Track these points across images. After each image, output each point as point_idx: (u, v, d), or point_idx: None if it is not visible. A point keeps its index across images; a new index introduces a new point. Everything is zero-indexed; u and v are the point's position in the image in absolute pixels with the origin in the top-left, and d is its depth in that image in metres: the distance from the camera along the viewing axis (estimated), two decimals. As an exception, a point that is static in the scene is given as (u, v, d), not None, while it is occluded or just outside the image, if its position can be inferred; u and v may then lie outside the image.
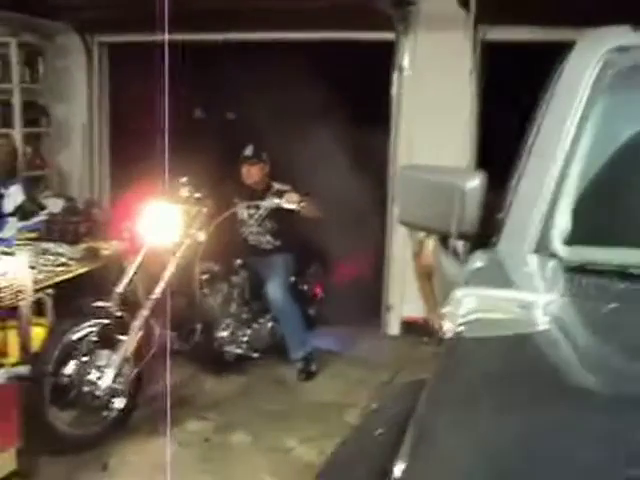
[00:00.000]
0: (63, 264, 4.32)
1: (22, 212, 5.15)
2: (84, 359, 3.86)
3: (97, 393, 3.85)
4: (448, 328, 1.41)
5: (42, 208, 5.25)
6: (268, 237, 5.17)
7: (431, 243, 5.10)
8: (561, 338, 1.40)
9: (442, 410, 1.24)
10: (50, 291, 4.26)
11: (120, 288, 4.04)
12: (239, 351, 4.90)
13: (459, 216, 1.87)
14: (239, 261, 5.01)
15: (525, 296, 1.41)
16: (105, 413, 3.99)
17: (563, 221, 1.73)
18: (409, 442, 1.17)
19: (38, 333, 4.04)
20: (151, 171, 5.12)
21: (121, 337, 3.95)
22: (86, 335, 3.89)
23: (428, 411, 1.23)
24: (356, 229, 5.42)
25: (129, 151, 6.18)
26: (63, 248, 4.57)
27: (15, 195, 5.27)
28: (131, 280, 4.09)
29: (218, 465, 3.86)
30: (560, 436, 1.08)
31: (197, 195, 4.43)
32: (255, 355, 4.94)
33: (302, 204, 4.72)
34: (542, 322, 1.38)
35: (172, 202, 4.22)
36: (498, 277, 1.59)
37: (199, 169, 5.51)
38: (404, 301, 5.55)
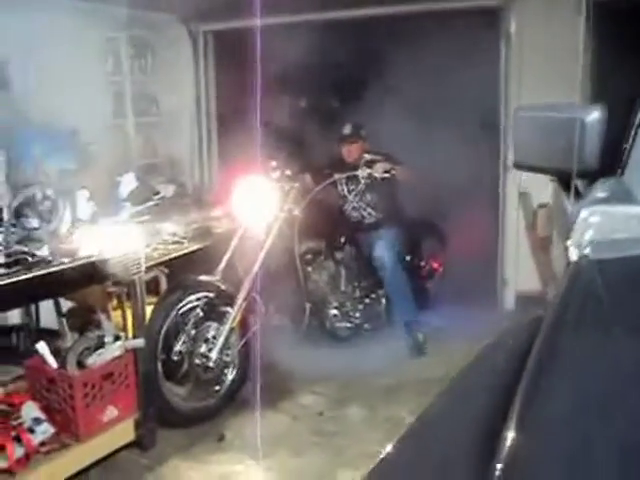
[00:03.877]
0: (176, 242, 4.41)
1: (136, 197, 5.30)
2: (192, 332, 3.97)
3: (207, 364, 3.95)
4: (573, 251, 1.32)
5: (155, 193, 5.39)
6: (369, 210, 5.17)
7: (543, 213, 4.96)
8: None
9: (568, 334, 1.15)
10: (164, 269, 4.39)
11: (222, 263, 4.14)
12: (350, 327, 4.92)
13: (580, 151, 1.77)
14: (343, 238, 5.02)
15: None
16: (216, 386, 4.09)
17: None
18: (533, 366, 1.08)
19: (155, 310, 4.16)
20: (256, 155, 5.23)
21: (226, 309, 4.05)
22: (192, 308, 4.00)
23: (552, 336, 1.14)
24: (469, 202, 5.29)
25: (236, 137, 6.26)
26: (176, 228, 4.67)
27: (129, 182, 5.43)
28: (232, 256, 4.19)
29: (331, 438, 3.86)
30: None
31: (288, 173, 4.49)
32: (367, 330, 4.95)
33: (393, 172, 4.70)
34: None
35: (265, 180, 4.32)
36: (624, 199, 1.48)
37: (302, 150, 5.55)
38: (519, 274, 5.39)
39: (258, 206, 4.22)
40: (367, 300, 5.06)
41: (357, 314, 4.98)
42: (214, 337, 4.00)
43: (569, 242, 1.37)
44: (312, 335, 4.76)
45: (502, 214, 5.50)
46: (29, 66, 5.26)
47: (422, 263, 5.44)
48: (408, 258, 5.32)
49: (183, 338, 3.94)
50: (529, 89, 5.15)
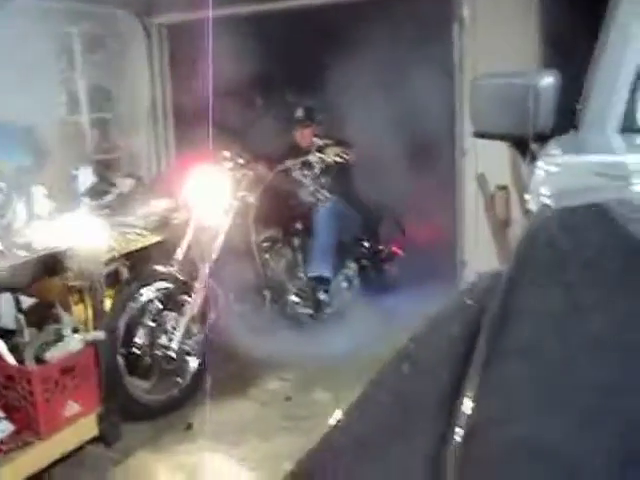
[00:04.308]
0: (137, 234, 4.38)
1: (94, 192, 5.25)
2: (152, 323, 3.94)
3: (168, 354, 3.93)
4: (532, 203, 1.34)
5: (113, 187, 5.35)
6: (324, 192, 5.14)
7: (502, 195, 5.02)
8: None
9: (528, 278, 1.17)
10: (125, 261, 4.36)
11: (179, 254, 4.13)
12: (311, 312, 4.91)
13: (535, 116, 1.80)
14: (299, 224, 5.02)
15: (614, 159, 1.33)
16: (179, 376, 4.07)
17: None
18: (489, 322, 1.09)
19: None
20: (210, 147, 5.21)
21: (185, 299, 4.05)
22: (151, 299, 3.97)
23: (514, 282, 1.15)
24: (427, 186, 5.33)
25: (192, 130, 6.23)
26: (135, 220, 4.64)
27: (86, 176, 5.38)
28: (188, 246, 4.17)
29: (299, 422, 3.87)
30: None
31: (240, 161, 4.47)
32: (329, 314, 4.94)
33: (345, 156, 4.71)
34: (634, 187, 1.30)
35: (217, 169, 4.33)
36: (581, 150, 1.51)
37: (257, 139, 5.53)
38: (479, 256, 5.43)
39: (210, 195, 4.23)
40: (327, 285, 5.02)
41: (319, 298, 4.96)
42: (174, 327, 3.97)
43: (527, 195, 1.40)
44: (273, 322, 4.74)
45: (460, 197, 5.54)
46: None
47: (380, 247, 5.44)
48: (366, 243, 5.33)
49: (143, 330, 3.92)
50: (483, 63, 5.18)
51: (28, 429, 3.29)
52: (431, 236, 5.57)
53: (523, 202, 1.43)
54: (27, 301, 4.12)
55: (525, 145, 1.92)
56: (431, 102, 5.26)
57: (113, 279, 4.25)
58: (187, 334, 4.02)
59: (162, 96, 6.66)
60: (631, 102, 1.62)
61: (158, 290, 4.01)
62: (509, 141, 2.03)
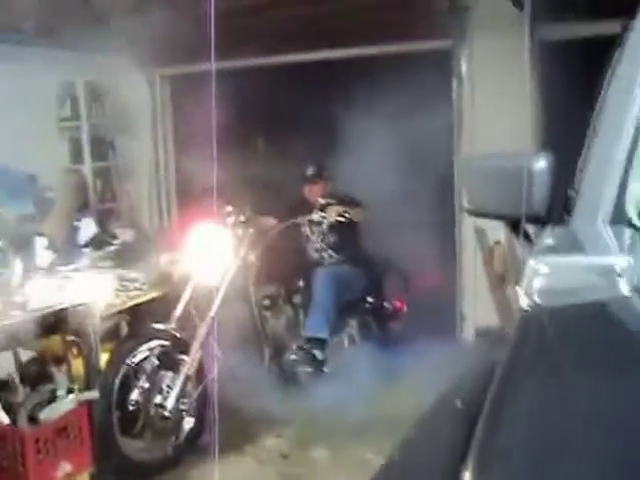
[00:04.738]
0: (138, 289, 4.40)
1: (96, 243, 5.28)
2: (147, 382, 3.89)
3: (162, 414, 3.87)
4: (523, 299, 1.37)
5: (115, 238, 5.38)
6: (330, 251, 5.18)
7: (500, 249, 5.05)
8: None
9: (522, 376, 1.20)
10: (125, 316, 4.37)
11: (178, 311, 4.11)
12: (309, 370, 4.82)
13: (528, 198, 1.84)
14: (301, 282, 4.98)
15: (603, 261, 1.36)
16: (174, 435, 4.00)
17: (638, 191, 1.67)
18: (487, 411, 1.13)
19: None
20: (212, 200, 5.24)
21: (182, 357, 4.00)
22: (147, 357, 3.94)
23: (507, 378, 1.19)
24: (427, 240, 5.36)
25: (194, 181, 6.29)
26: (137, 274, 4.66)
27: (88, 227, 5.42)
28: (188, 303, 4.15)
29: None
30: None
31: (242, 218, 4.47)
32: (328, 372, 4.86)
33: (347, 215, 4.72)
34: (622, 288, 1.33)
35: (218, 227, 4.29)
36: (573, 248, 1.54)
37: (263, 193, 5.57)
38: (478, 310, 5.47)
39: (211, 253, 4.20)
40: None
41: (317, 357, 4.87)
42: (169, 386, 3.93)
43: (519, 289, 1.42)
44: (272, 379, 4.70)
45: (459, 251, 5.59)
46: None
47: (385, 303, 5.40)
48: (370, 299, 5.27)
49: (138, 388, 3.87)
50: (482, 128, 5.28)
51: (19, 490, 3.22)
52: (432, 290, 5.57)
53: (516, 294, 1.45)
54: (25, 354, 4.14)
55: (519, 225, 1.96)
56: (432, 158, 5.33)
57: (113, 334, 4.25)
58: (183, 393, 3.96)
59: (164, 146, 6.74)
60: (622, 193, 1.65)
61: (154, 348, 3.97)
62: (502, 221, 2.07)
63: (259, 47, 5.71)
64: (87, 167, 6.30)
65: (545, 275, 1.36)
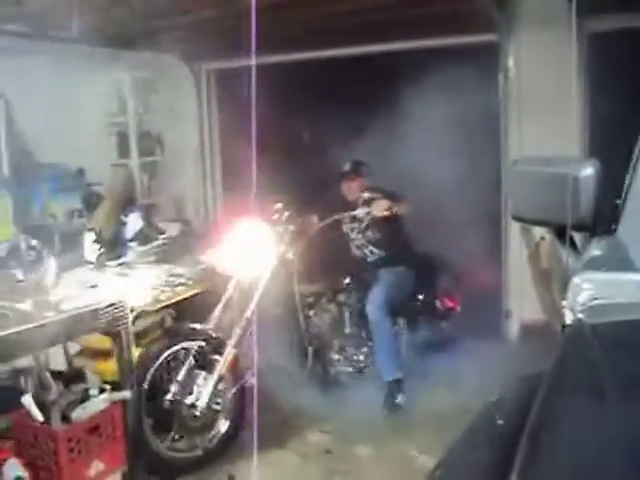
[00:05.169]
0: (183, 284, 4.46)
1: (142, 237, 5.35)
2: (179, 381, 3.88)
3: (195, 414, 3.85)
4: (568, 315, 1.36)
5: (161, 233, 5.45)
6: (371, 247, 5.04)
7: (546, 245, 4.98)
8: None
9: (565, 397, 1.19)
10: (171, 311, 4.43)
11: (217, 310, 4.08)
12: (353, 372, 4.78)
13: (574, 206, 1.81)
14: (347, 279, 4.88)
15: (649, 278, 1.34)
16: (207, 435, 4.00)
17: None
18: (531, 428, 1.13)
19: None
20: (259, 193, 5.26)
21: (216, 357, 3.96)
22: (181, 356, 3.92)
23: (550, 398, 1.18)
24: (473, 235, 5.28)
25: (239, 174, 6.33)
26: (182, 269, 4.72)
27: (135, 222, 5.49)
28: (228, 302, 4.13)
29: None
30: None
31: (285, 215, 4.39)
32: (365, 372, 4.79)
33: (394, 210, 4.61)
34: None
35: (259, 223, 4.23)
36: (618, 261, 1.52)
37: (306, 187, 5.58)
38: (523, 305, 5.41)
39: (252, 250, 4.14)
40: (371, 343, 4.81)
41: (361, 357, 4.81)
42: (202, 386, 3.90)
43: (564, 303, 1.41)
44: (315, 380, 4.64)
45: (505, 246, 5.53)
46: (35, 107, 5.35)
47: (436, 302, 5.23)
48: (421, 297, 5.13)
49: (170, 388, 3.86)
50: (528, 122, 5.21)
51: (53, 489, 3.24)
52: (479, 287, 5.44)
53: (561, 309, 1.44)
54: (74, 346, 4.21)
55: (564, 232, 1.93)
56: (479, 154, 5.26)
57: (159, 329, 4.31)
58: (216, 393, 3.93)
59: (210, 140, 6.79)
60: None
61: (188, 348, 3.95)
62: (548, 227, 2.04)
63: (305, 41, 5.72)
64: (134, 162, 6.39)
65: (589, 291, 1.35)
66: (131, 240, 5.31)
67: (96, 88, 6.32)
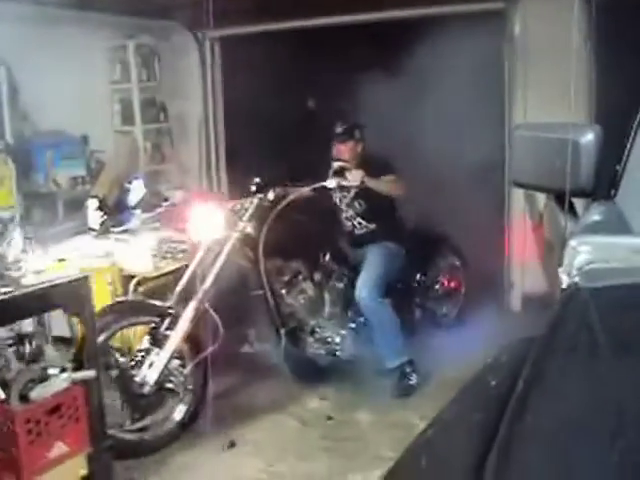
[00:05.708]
0: (184, 251, 4.47)
1: (145, 204, 5.36)
2: (128, 359, 3.77)
3: (143, 392, 3.71)
4: (564, 280, 1.36)
5: (165, 199, 5.46)
6: (359, 219, 4.70)
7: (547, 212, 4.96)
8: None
9: (555, 357, 1.20)
10: (171, 278, 4.43)
11: (179, 286, 3.93)
12: (331, 357, 4.47)
13: (574, 171, 1.80)
14: (328, 256, 4.54)
15: (646, 242, 1.34)
16: (164, 414, 3.87)
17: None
18: (519, 389, 1.14)
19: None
20: (261, 161, 5.24)
21: (168, 334, 3.79)
22: (122, 334, 3.81)
23: (540, 358, 1.19)
24: (475, 207, 5.26)
25: (243, 142, 6.33)
26: (184, 236, 4.72)
27: (138, 189, 5.49)
28: (191, 277, 3.94)
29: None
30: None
31: (252, 188, 4.19)
32: (349, 359, 4.49)
33: (368, 181, 4.24)
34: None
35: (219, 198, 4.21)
36: (616, 226, 1.51)
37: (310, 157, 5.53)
38: (525, 276, 5.42)
39: (211, 225, 4.00)
40: (352, 325, 4.53)
41: (338, 341, 4.46)
42: (152, 363, 3.73)
43: (560, 269, 1.41)
44: (288, 363, 4.47)
45: (509, 218, 5.52)
46: (38, 74, 5.32)
47: (438, 284, 5.08)
48: (418, 277, 4.96)
49: (118, 365, 3.72)
50: (534, 91, 5.17)
51: (10, 471, 3.03)
52: (482, 258, 5.31)
53: (556, 276, 1.44)
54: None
55: (564, 198, 1.92)
56: (479, 120, 5.23)
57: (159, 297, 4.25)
58: (171, 370, 3.80)
59: (213, 107, 6.76)
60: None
61: (136, 324, 3.83)
62: (548, 193, 2.04)
63: (308, 9, 5.66)
64: (138, 129, 6.36)
65: (585, 254, 1.35)
66: (134, 207, 5.32)
67: (99, 55, 6.29)
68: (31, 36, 5.22)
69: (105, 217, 5.02)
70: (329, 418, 4.18)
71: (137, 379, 3.70)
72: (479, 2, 5.34)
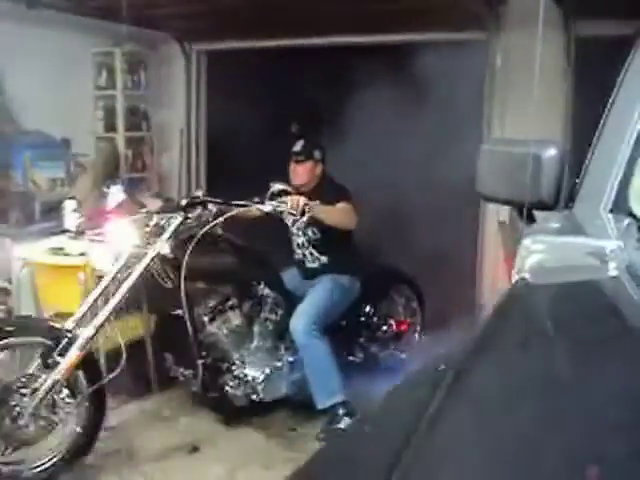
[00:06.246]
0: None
1: (122, 210, 5.37)
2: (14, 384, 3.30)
3: (19, 423, 3.23)
4: (514, 276, 1.41)
5: (142, 206, 5.47)
6: (311, 250, 4.29)
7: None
8: (631, 286, 1.37)
9: (487, 346, 1.23)
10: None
11: (85, 305, 3.51)
12: (253, 397, 3.98)
13: (535, 184, 1.87)
14: (262, 285, 4.08)
15: (594, 243, 1.39)
16: (46, 448, 3.40)
17: (640, 182, 1.71)
18: (451, 377, 1.15)
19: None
20: (243, 173, 5.27)
21: (58, 360, 3.31)
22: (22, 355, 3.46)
23: (474, 346, 1.22)
24: (447, 231, 5.26)
25: (224, 154, 6.38)
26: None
27: (116, 194, 5.51)
28: (103, 294, 3.55)
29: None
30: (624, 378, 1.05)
31: (182, 203, 3.89)
32: (270, 401, 4.05)
33: (311, 210, 3.74)
34: (611, 269, 1.36)
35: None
36: (569, 230, 1.58)
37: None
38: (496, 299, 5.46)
39: (125, 238, 3.71)
40: (277, 363, 4.08)
41: (260, 380, 3.97)
42: (35, 390, 3.25)
43: (513, 270, 1.47)
44: (208, 398, 4.10)
45: (481, 244, 5.58)
46: (23, 75, 5.36)
47: (385, 324, 4.67)
48: (367, 314, 4.56)
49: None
50: (512, 123, 5.27)
51: None
52: (448, 297, 5.02)
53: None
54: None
55: (528, 212, 1.99)
56: (456, 149, 5.29)
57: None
58: (51, 399, 3.29)
59: (196, 119, 6.83)
60: (625, 182, 1.68)
61: (32, 346, 3.39)
62: (512, 206, 2.10)
63: (294, 29, 5.75)
64: (120, 136, 6.41)
65: (537, 253, 1.40)
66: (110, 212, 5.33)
67: (86, 60, 6.34)
68: (16, 38, 5.27)
69: (81, 219, 5.04)
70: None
71: (15, 407, 3.24)
72: (462, 32, 5.45)
